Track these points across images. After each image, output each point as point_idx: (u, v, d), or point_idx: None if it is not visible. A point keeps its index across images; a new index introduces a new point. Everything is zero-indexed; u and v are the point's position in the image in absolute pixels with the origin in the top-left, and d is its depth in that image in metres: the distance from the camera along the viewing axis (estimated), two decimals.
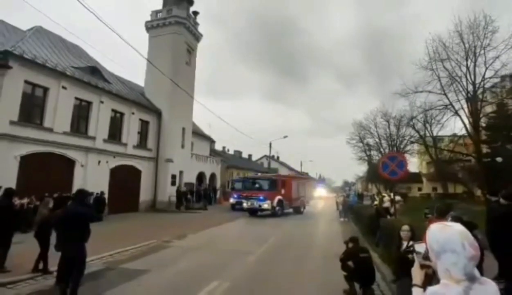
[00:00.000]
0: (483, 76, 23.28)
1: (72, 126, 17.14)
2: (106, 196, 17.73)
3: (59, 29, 48.32)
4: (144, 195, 22.47)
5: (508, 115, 24.27)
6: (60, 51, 18.55)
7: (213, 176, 32.34)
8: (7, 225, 6.64)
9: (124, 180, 20.41)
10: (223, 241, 11.37)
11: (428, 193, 47.76)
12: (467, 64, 23.82)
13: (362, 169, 57.58)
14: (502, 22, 22.74)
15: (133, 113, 21.69)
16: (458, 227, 1.41)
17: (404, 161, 9.51)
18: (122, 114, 21.04)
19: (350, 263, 5.51)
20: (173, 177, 24.37)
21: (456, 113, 25.55)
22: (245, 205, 20.82)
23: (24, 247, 7.76)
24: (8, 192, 7.00)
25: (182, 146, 25.59)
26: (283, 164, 72.03)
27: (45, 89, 15.78)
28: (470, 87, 23.97)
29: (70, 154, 16.87)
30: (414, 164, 44.42)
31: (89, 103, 18.40)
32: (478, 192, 30.02)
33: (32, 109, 15.39)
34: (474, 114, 24.16)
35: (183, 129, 25.73)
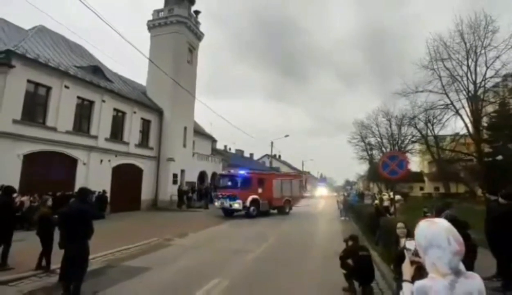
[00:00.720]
0: (484, 76, 23.27)
1: (74, 125, 17.28)
2: (108, 194, 17.83)
3: (60, 29, 48.40)
4: (146, 194, 22.58)
5: (510, 114, 24.23)
6: (62, 51, 18.66)
7: (214, 175, 32.42)
8: (7, 223, 6.67)
9: (126, 179, 20.52)
10: (224, 240, 11.42)
11: (430, 192, 47.67)
12: (468, 64, 23.81)
13: (363, 168, 57.65)
14: (502, 22, 22.76)
15: (134, 112, 21.79)
16: (444, 223, 1.47)
17: (405, 160, 9.53)
18: (124, 113, 21.15)
19: (349, 261, 5.55)
20: (175, 175, 24.47)
21: (457, 112, 25.55)
22: (217, 204, 19.54)
23: (26, 244, 7.87)
24: (8, 190, 7.02)
25: (184, 145, 25.68)
26: (284, 163, 72.05)
27: (48, 89, 15.90)
28: (471, 87, 23.97)
29: (73, 152, 16.99)
30: (416, 163, 44.37)
31: (91, 103, 18.51)
32: (480, 192, 29.96)
33: (35, 108, 15.52)
34: (475, 114, 24.14)
35: (185, 128, 25.82)
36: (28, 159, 14.52)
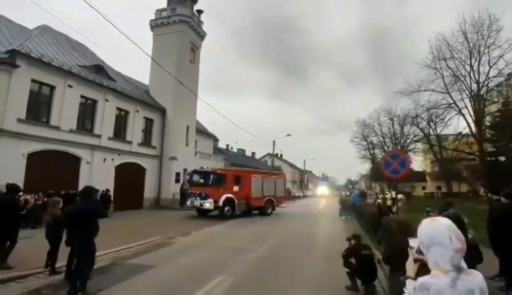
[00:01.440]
0: (487, 75, 23.25)
1: (78, 124, 17.38)
2: (111, 193, 17.94)
3: (62, 27, 48.56)
4: (149, 192, 22.68)
5: None
6: (65, 50, 18.75)
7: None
8: (13, 221, 6.70)
9: (129, 178, 20.62)
10: (226, 238, 11.49)
11: (432, 191, 47.64)
12: (471, 63, 23.77)
13: (365, 167, 57.73)
14: (506, 21, 22.70)
15: (137, 111, 21.88)
16: (446, 221, 1.51)
17: (407, 159, 9.53)
18: (127, 112, 21.24)
19: (352, 260, 5.60)
20: (177, 174, 24.55)
21: (460, 112, 25.53)
22: (188, 203, 17.95)
23: (32, 242, 7.97)
24: (12, 188, 7.03)
25: (186, 144, 25.76)
26: (286, 162, 72.06)
27: (52, 88, 16.00)
28: (474, 86, 23.93)
29: (76, 151, 17.10)
30: (418, 162, 44.27)
31: (94, 102, 18.61)
32: (482, 191, 29.92)
33: (39, 107, 15.63)
34: (478, 113, 24.10)
35: (187, 127, 25.89)
36: (32, 158, 14.62)
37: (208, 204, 16.79)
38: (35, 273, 6.29)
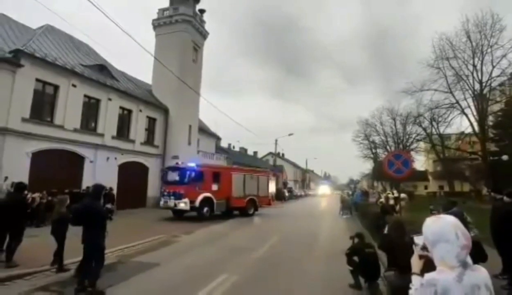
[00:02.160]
0: (490, 75, 23.24)
1: (81, 123, 17.48)
2: (114, 192, 18.03)
3: (65, 27, 48.74)
4: (152, 191, 22.74)
5: None
6: (69, 49, 18.85)
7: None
8: (19, 219, 6.77)
9: (132, 176, 20.71)
10: (230, 237, 11.56)
11: (435, 191, 47.52)
12: (474, 63, 23.77)
13: (367, 166, 57.68)
14: (508, 21, 22.65)
15: (140, 110, 21.97)
16: (451, 218, 1.56)
17: (409, 159, 9.58)
18: (130, 111, 21.33)
19: (355, 258, 5.64)
20: None
21: (463, 112, 25.52)
22: (161, 203, 16.40)
23: (38, 240, 8.06)
24: (20, 187, 7.09)
25: (189, 143, 25.81)
26: (288, 161, 72.06)
27: (56, 87, 16.10)
28: (477, 86, 23.93)
29: (80, 150, 17.19)
30: (421, 162, 44.22)
31: (98, 101, 18.70)
32: (485, 190, 29.85)
33: (43, 106, 15.73)
34: (481, 113, 24.06)
35: (190, 126, 25.94)
36: (37, 157, 14.73)
37: (183, 204, 15.22)
38: (42, 270, 6.38)
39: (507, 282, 5.42)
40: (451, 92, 25.30)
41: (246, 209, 18.57)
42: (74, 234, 6.24)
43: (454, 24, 69.59)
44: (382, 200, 15.58)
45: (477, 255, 4.52)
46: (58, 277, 6.14)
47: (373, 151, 44.69)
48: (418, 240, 1.83)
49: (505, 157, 22.14)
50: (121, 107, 20.46)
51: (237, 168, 21.33)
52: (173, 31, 25.56)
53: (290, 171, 71.81)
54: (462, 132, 28.25)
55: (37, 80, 15.10)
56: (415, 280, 1.61)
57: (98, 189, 5.72)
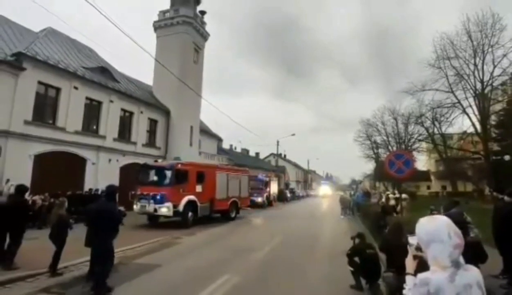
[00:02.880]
0: (492, 74, 23.19)
1: (83, 125, 17.58)
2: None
3: (66, 29, 48.97)
4: None
5: None
6: (71, 52, 18.95)
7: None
8: (19, 222, 6.76)
9: (134, 178, 20.70)
10: (231, 238, 11.59)
11: (437, 191, 47.37)
12: (475, 62, 23.73)
13: (369, 166, 57.48)
14: (508, 20, 22.62)
15: (142, 112, 22.05)
16: (444, 218, 1.58)
17: (411, 159, 9.56)
18: (131, 113, 21.41)
19: (356, 259, 5.64)
20: None
21: (464, 111, 25.45)
22: (137, 207, 13.83)
23: (40, 242, 8.06)
24: (21, 189, 7.08)
25: (190, 144, 25.86)
26: (290, 162, 72.03)
27: (58, 90, 16.20)
28: (478, 85, 23.89)
29: (82, 152, 17.27)
30: (423, 161, 44.08)
31: (99, 103, 18.79)
32: (488, 190, 29.73)
33: (45, 109, 15.82)
34: (482, 112, 24.00)
35: (191, 127, 26.01)
36: (39, 159, 14.82)
37: (165, 209, 12.98)
38: (43, 272, 6.39)
39: (507, 281, 5.41)
40: (452, 92, 25.28)
41: (228, 212, 16.82)
42: (74, 238, 6.28)
43: (454, 23, 69.52)
44: (384, 200, 15.55)
45: (477, 255, 4.52)
46: (62, 279, 6.17)
47: (375, 151, 44.59)
48: (412, 240, 1.84)
49: (507, 157, 22.06)
50: (122, 109, 20.55)
51: (220, 166, 19.44)
52: (174, 33, 25.67)
53: (292, 172, 71.79)
54: (465, 132, 28.16)
55: (39, 83, 15.20)
56: (409, 280, 1.62)
57: (111, 189, 5.71)
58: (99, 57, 22.36)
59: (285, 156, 69.15)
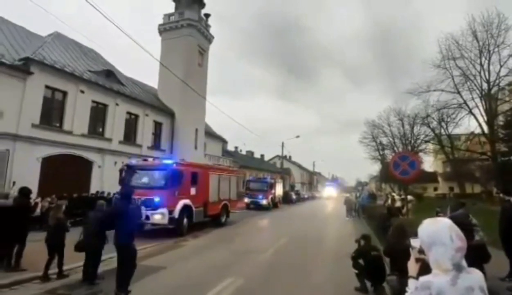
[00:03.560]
0: (498, 74, 22.95)
1: (89, 128, 17.76)
2: None
3: (72, 33, 49.55)
4: None
5: None
6: (77, 56, 19.20)
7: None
8: (23, 223, 6.82)
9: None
10: (236, 240, 11.59)
11: (444, 192, 46.83)
12: (481, 62, 23.52)
13: (375, 168, 57.08)
14: None
15: (147, 115, 22.21)
16: (446, 221, 1.56)
17: (416, 160, 9.50)
18: (136, 116, 21.58)
19: (361, 261, 5.61)
20: None
21: (471, 112, 25.19)
22: None
23: (45, 244, 8.14)
24: (24, 192, 7.16)
25: (195, 147, 25.97)
26: (295, 164, 71.87)
27: (64, 93, 16.42)
28: (485, 86, 23.66)
29: (88, 155, 17.45)
30: (430, 163, 43.63)
31: (105, 106, 18.98)
32: (495, 192, 29.35)
33: (52, 112, 16.05)
34: (489, 113, 23.75)
35: (196, 130, 26.12)
36: (46, 162, 15.02)
37: (159, 216, 11.10)
38: (51, 274, 6.45)
39: None
40: (458, 92, 25.06)
41: (219, 216, 15.26)
42: (75, 241, 6.32)
43: (458, 22, 69.10)
44: (389, 202, 15.44)
45: (481, 256, 4.48)
46: (67, 281, 6.22)
47: (381, 152, 44.24)
48: (415, 243, 1.82)
49: None
50: (128, 112, 20.74)
51: (212, 166, 17.66)
52: (178, 36, 25.86)
53: (297, 173, 71.66)
54: (472, 133, 27.86)
55: (47, 87, 15.43)
56: (411, 283, 1.61)
57: (127, 191, 5.78)
58: (105, 60, 22.61)
59: (290, 157, 68.99)
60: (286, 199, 35.37)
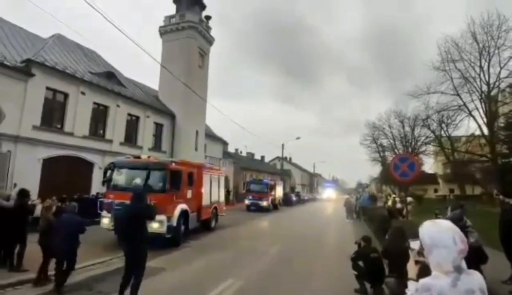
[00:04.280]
0: (498, 76, 22.96)
1: (90, 130, 17.77)
2: None
3: (72, 34, 49.64)
4: None
5: None
6: (78, 57, 19.26)
7: (226, 178, 32.59)
8: (22, 224, 6.82)
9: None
10: (236, 242, 11.61)
11: (445, 194, 46.80)
12: (480, 64, 23.55)
13: (375, 170, 57.05)
14: None
15: (148, 116, 22.25)
16: (447, 223, 1.56)
17: (416, 162, 9.52)
18: (137, 117, 21.61)
19: (360, 263, 5.64)
20: None
21: (470, 114, 25.24)
22: (104, 221, 10.07)
23: None
24: (22, 193, 7.17)
25: (196, 148, 25.98)
26: (295, 165, 71.84)
27: (65, 95, 16.44)
28: (485, 88, 23.67)
29: (89, 156, 17.47)
30: (430, 164, 43.62)
31: (106, 108, 19.02)
32: (495, 193, 29.32)
33: (53, 114, 16.06)
34: (489, 115, 23.77)
35: (197, 131, 26.14)
36: (47, 163, 15.03)
37: (157, 225, 9.15)
38: (51, 274, 6.47)
39: None
40: (458, 94, 25.11)
41: (210, 220, 13.97)
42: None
43: (458, 23, 69.16)
44: (390, 203, 15.46)
45: (477, 258, 4.51)
46: (71, 280, 6.23)
47: (381, 154, 44.25)
48: (414, 245, 1.83)
49: None
50: (129, 114, 20.76)
51: (204, 165, 14.98)
52: (179, 38, 25.89)
53: (298, 175, 71.60)
54: (472, 134, 27.88)
55: (48, 88, 15.46)
56: (411, 285, 1.61)
57: (138, 192, 5.82)
58: (106, 61, 22.67)
59: (290, 159, 69.01)
60: (286, 201, 35.37)
